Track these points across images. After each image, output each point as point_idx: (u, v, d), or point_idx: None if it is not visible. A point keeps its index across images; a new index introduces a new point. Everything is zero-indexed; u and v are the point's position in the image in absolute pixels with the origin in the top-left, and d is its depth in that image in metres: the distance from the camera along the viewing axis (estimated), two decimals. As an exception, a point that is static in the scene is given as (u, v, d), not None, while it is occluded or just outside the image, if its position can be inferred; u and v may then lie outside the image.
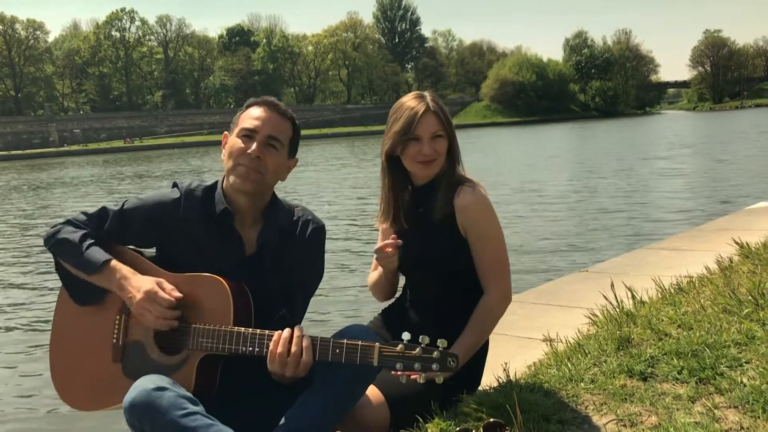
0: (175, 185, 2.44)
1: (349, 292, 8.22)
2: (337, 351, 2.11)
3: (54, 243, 2.35)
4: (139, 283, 2.24)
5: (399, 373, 2.08)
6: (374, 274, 2.84)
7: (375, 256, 2.65)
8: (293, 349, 2.12)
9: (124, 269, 2.28)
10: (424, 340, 2.07)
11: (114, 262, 2.29)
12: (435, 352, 2.06)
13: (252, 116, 2.37)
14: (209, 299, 2.23)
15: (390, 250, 2.58)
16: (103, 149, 69.54)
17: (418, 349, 2.06)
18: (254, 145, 2.32)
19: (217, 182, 2.44)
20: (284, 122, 2.40)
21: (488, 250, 2.63)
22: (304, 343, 2.12)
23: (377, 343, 2.10)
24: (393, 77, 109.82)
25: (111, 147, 71.40)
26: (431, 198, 2.65)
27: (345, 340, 2.12)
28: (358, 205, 16.73)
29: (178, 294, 2.22)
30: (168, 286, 2.23)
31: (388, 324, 2.75)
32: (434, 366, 2.05)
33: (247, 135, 2.34)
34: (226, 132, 2.47)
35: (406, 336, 2.08)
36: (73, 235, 2.32)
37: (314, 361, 2.13)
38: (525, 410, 2.29)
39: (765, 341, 2.79)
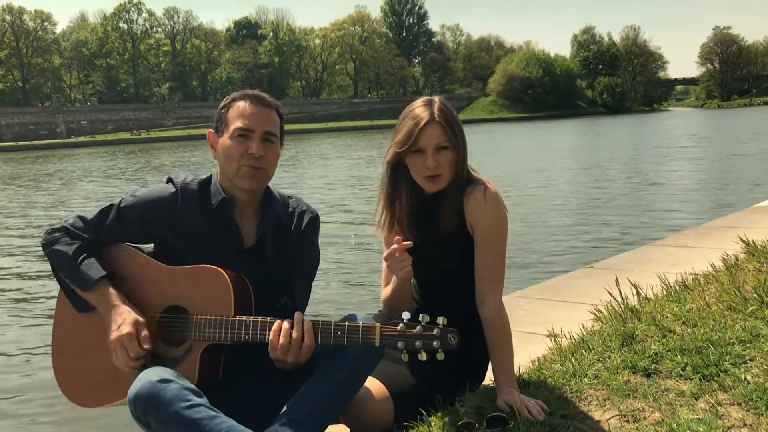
0: (169, 180, 2.42)
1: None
2: (339, 333, 2.13)
3: (50, 253, 2.35)
4: (119, 320, 2.22)
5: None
6: (387, 289, 2.65)
7: (385, 264, 2.51)
8: (294, 334, 2.13)
9: (113, 295, 2.26)
10: (425, 318, 2.09)
11: (105, 284, 2.27)
12: (435, 330, 2.08)
13: (243, 114, 2.31)
14: (210, 290, 2.23)
15: (399, 254, 2.41)
16: (110, 141, 69.70)
17: (418, 327, 2.08)
18: (255, 145, 2.29)
19: (211, 176, 2.42)
20: (273, 114, 2.37)
21: (492, 252, 2.51)
22: (305, 327, 2.14)
23: (378, 324, 2.12)
24: (400, 71, 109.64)
25: (118, 139, 71.62)
26: (441, 207, 2.54)
27: (346, 322, 2.14)
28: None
29: (147, 345, 2.20)
30: (144, 332, 2.21)
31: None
32: (435, 343, 2.07)
33: (243, 134, 2.30)
34: (210, 130, 2.40)
35: (406, 315, 2.10)
36: (69, 247, 2.31)
37: (316, 346, 2.15)
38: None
39: (769, 339, 2.79)
